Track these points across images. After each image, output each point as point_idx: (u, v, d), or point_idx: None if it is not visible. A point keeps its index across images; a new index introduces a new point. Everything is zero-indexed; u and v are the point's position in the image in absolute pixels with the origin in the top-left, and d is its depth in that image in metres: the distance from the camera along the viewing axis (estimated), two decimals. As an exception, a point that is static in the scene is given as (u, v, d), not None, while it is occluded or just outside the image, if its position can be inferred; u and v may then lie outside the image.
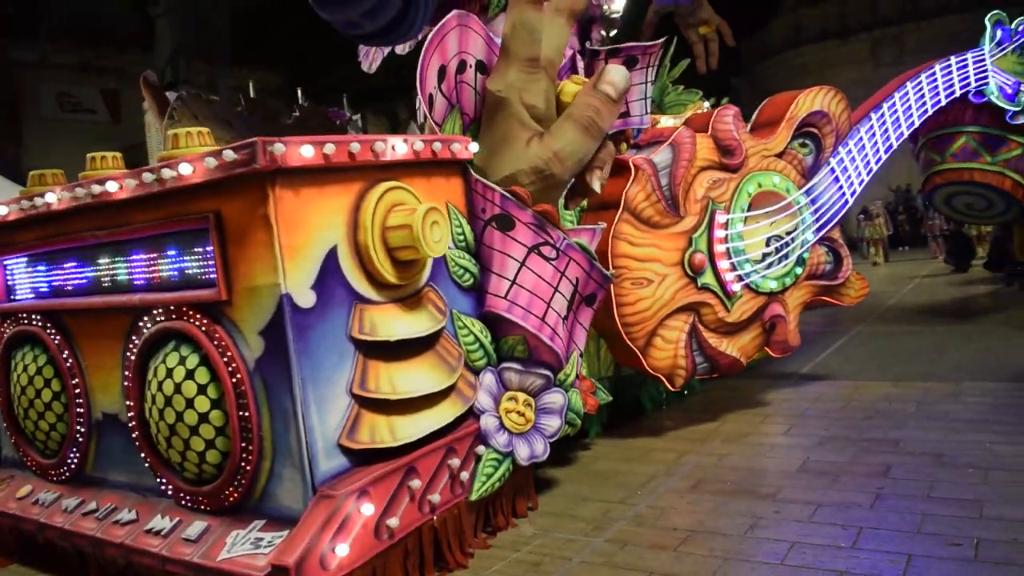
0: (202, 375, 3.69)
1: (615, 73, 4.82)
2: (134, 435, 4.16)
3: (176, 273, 3.85)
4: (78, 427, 4.52)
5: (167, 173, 3.58)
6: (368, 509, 3.54)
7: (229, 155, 3.34)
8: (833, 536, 3.97)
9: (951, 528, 3.91)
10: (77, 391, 4.49)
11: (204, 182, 3.54)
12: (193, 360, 3.72)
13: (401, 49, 7.37)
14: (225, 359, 3.60)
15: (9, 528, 4.80)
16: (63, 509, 4.44)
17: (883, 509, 4.23)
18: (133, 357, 4.05)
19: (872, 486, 4.57)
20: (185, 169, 3.50)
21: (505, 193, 4.42)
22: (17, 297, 4.88)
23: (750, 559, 3.82)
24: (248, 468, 3.62)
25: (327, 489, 3.48)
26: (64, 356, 4.50)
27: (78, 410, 4.51)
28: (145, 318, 3.97)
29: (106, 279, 4.25)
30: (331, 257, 3.64)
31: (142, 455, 4.14)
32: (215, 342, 3.63)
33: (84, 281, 4.40)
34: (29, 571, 4.66)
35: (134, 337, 4.05)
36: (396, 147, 3.92)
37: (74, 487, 4.59)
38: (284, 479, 3.57)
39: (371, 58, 7.18)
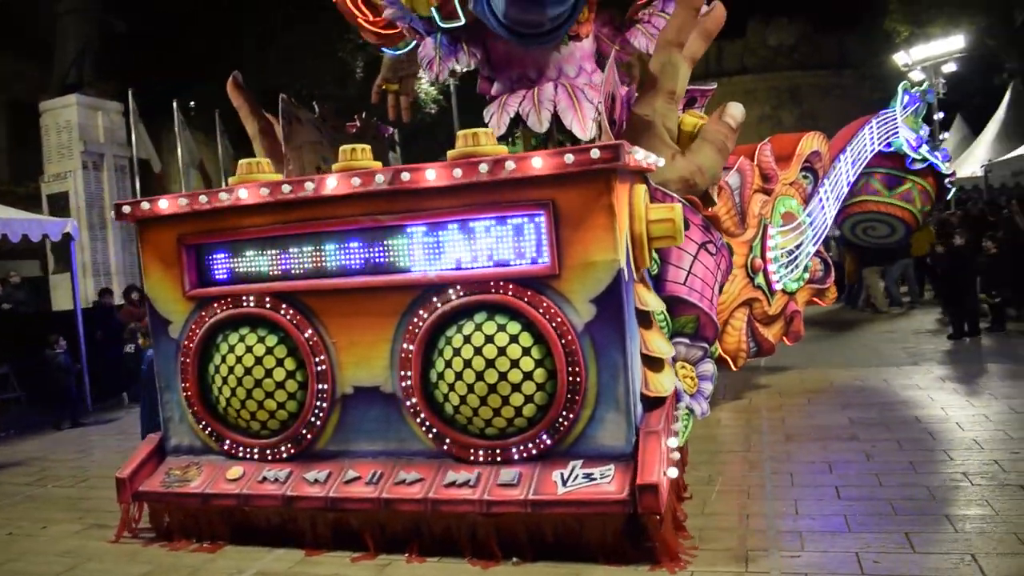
0: (526, 339, 4.30)
1: (735, 108, 6.10)
2: (407, 404, 4.57)
3: (490, 252, 4.42)
4: (317, 403, 4.77)
5: (509, 165, 4.20)
6: (673, 443, 4.39)
7: (595, 153, 4.08)
8: (930, 455, 5.45)
9: (1008, 444, 5.54)
10: (320, 368, 4.75)
11: (538, 175, 4.22)
12: (515, 327, 4.32)
13: (465, 64, 7.93)
14: (554, 324, 4.26)
15: (221, 511, 4.84)
16: (312, 481, 4.66)
17: (946, 439, 5.78)
18: (418, 331, 4.50)
19: (919, 427, 6.16)
20: (537, 163, 4.17)
21: (682, 199, 5.45)
22: (226, 280, 4.97)
23: (893, 471, 5.16)
24: (570, 416, 4.28)
25: (647, 428, 4.27)
26: (306, 335, 4.75)
27: (319, 387, 4.76)
28: (443, 293, 4.45)
29: (381, 259, 4.63)
30: (627, 241, 4.47)
31: (418, 420, 4.56)
32: (541, 310, 4.28)
33: (345, 263, 4.71)
34: (247, 549, 4.73)
35: (421, 311, 4.50)
36: (638, 155, 4.84)
37: (306, 462, 4.79)
38: (606, 422, 4.28)
39: (436, 70, 7.60)
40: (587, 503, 4.10)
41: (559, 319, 4.27)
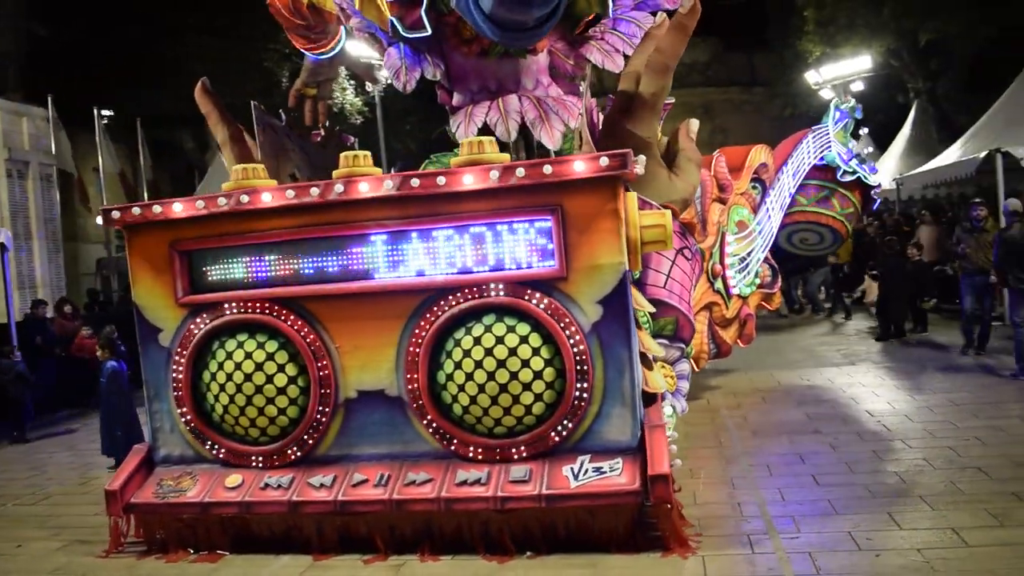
0: (535, 339, 4.45)
1: (695, 124, 6.48)
2: (414, 406, 4.64)
3: (498, 256, 4.54)
4: (320, 408, 4.77)
5: (520, 172, 4.36)
6: (672, 436, 4.62)
7: (604, 161, 4.29)
8: (890, 444, 5.88)
9: (957, 432, 6.04)
10: (323, 373, 4.75)
11: (546, 182, 4.39)
12: (524, 328, 4.46)
13: (430, 74, 7.94)
14: (562, 324, 4.42)
15: (220, 520, 4.77)
16: (318, 486, 4.65)
17: (900, 430, 6.24)
18: (426, 334, 4.59)
19: (874, 420, 6.61)
20: (547, 169, 4.33)
21: (660, 207, 5.72)
22: (223, 287, 4.90)
23: (861, 460, 5.55)
24: (579, 413, 4.45)
25: (650, 422, 4.49)
26: (308, 340, 4.75)
27: (322, 391, 4.76)
28: (451, 296, 4.55)
29: (388, 264, 4.68)
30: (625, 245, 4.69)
31: (425, 422, 4.63)
32: (550, 311, 4.44)
33: (350, 267, 4.73)
34: (251, 557, 4.66)
35: (428, 315, 4.59)
36: (638, 165, 5.08)
37: (309, 467, 4.78)
38: (612, 417, 4.47)
39: (403, 79, 7.60)
40: (601, 495, 4.27)
41: (567, 320, 4.44)
